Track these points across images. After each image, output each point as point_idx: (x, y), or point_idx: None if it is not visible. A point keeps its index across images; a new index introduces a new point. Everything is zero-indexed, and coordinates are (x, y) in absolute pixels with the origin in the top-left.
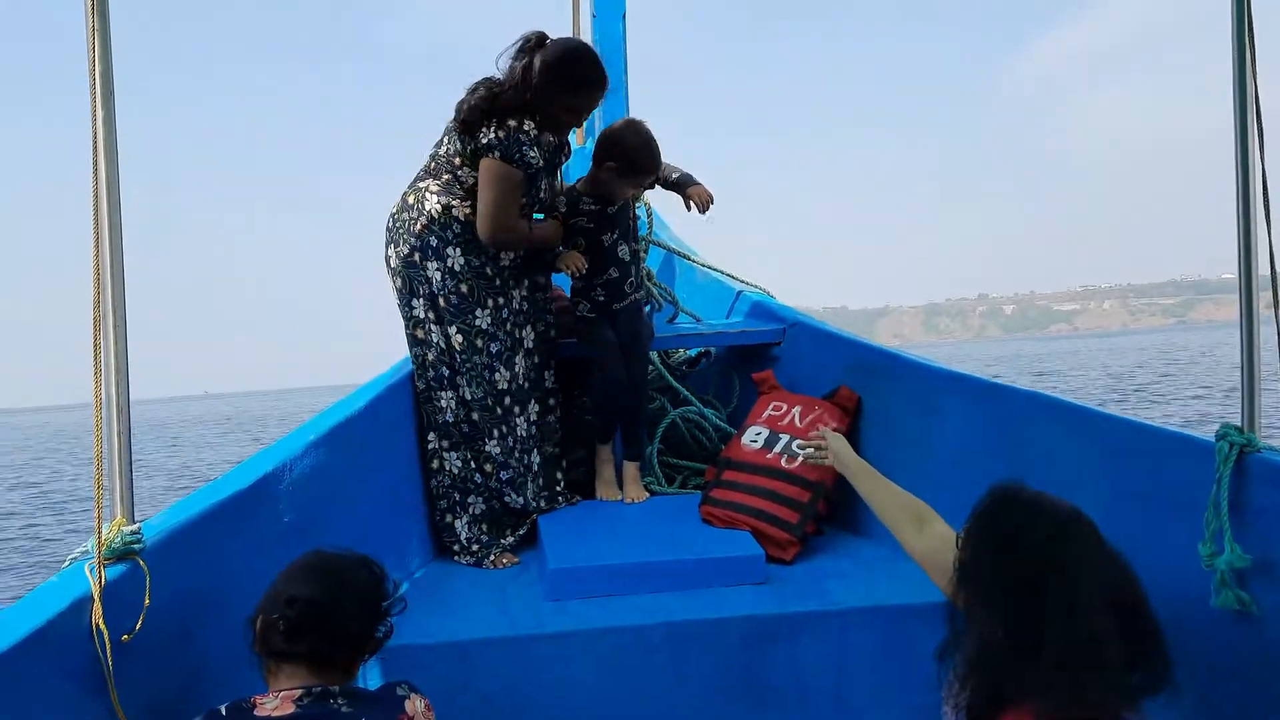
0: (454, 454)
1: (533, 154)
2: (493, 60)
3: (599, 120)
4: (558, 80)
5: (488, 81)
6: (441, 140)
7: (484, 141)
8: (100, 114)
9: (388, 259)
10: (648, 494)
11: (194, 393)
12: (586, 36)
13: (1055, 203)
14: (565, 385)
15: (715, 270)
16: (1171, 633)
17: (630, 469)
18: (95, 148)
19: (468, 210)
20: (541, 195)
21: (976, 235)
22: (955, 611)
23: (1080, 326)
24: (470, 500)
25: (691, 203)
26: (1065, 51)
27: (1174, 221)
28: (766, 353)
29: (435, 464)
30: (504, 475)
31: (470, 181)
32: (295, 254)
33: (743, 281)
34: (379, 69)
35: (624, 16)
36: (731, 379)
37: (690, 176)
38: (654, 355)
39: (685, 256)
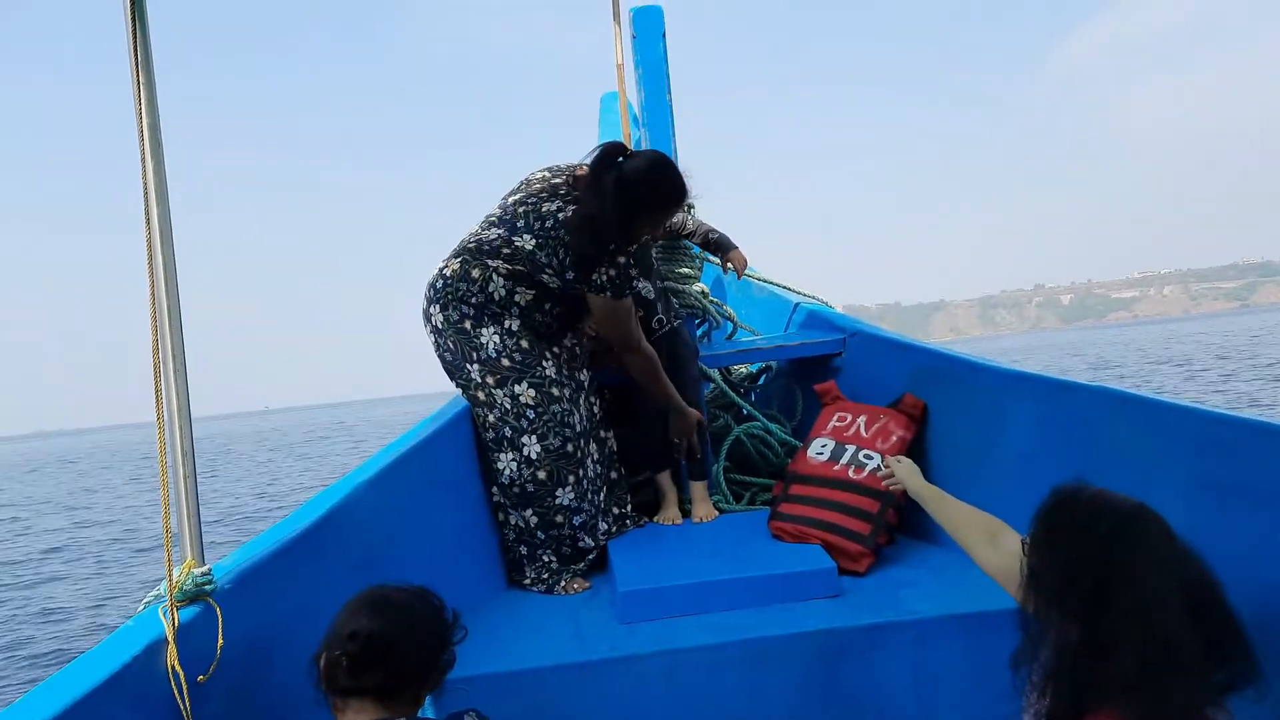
0: (514, 512)
1: (639, 283)
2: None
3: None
4: (643, 203)
5: (570, 184)
6: (515, 223)
7: (598, 282)
8: (150, 153)
9: (429, 316)
10: (716, 512)
11: (255, 408)
12: (627, 57)
13: (1111, 190)
14: (612, 410)
15: (771, 283)
16: (1259, 628)
17: (698, 488)
18: (144, 177)
19: (530, 297)
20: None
21: (1031, 226)
22: (1029, 618)
23: (1140, 313)
24: (540, 552)
25: (729, 266)
26: (1122, 35)
27: (1235, 204)
28: (828, 364)
29: (501, 516)
30: (576, 520)
31: (551, 285)
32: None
33: (799, 293)
34: (412, 80)
35: (664, 35)
36: (794, 392)
37: (728, 239)
38: (715, 373)
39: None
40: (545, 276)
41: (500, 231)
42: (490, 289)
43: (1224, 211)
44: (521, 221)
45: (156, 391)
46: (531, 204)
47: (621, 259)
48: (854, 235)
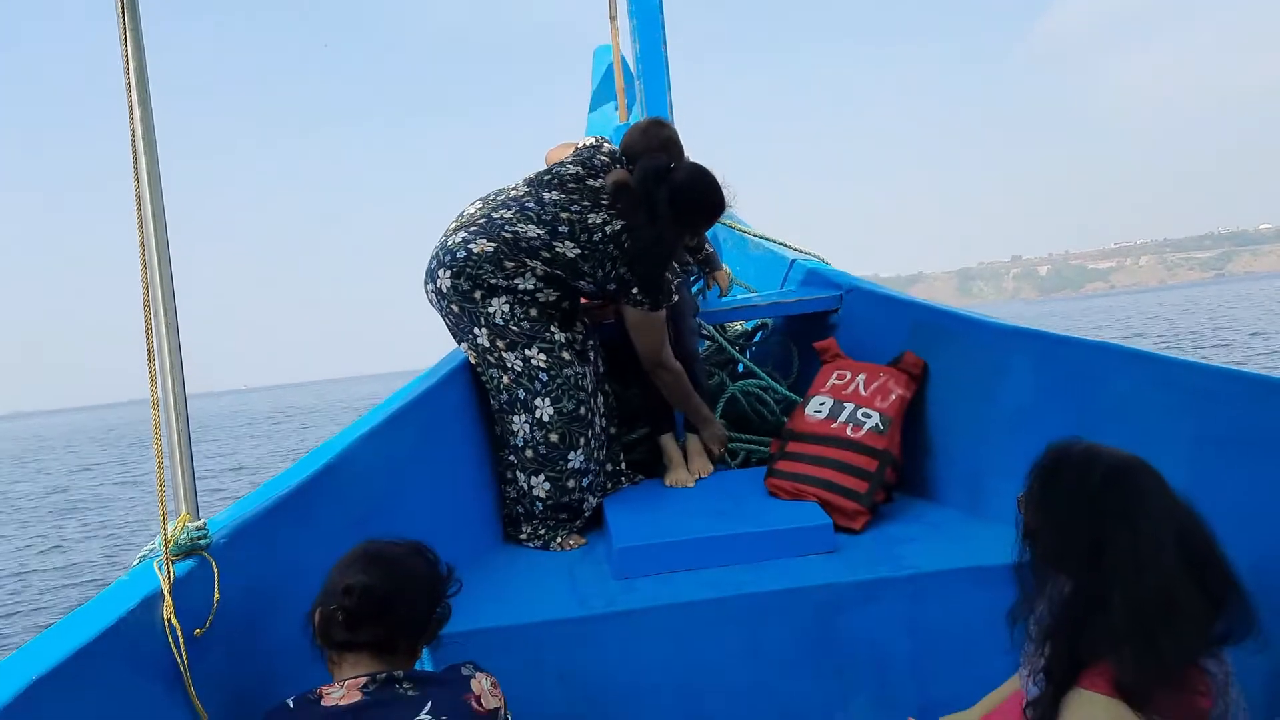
0: (523, 475)
1: (675, 296)
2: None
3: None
4: (694, 218)
5: (612, 192)
6: (556, 226)
7: (639, 298)
8: (138, 111)
9: (435, 277)
10: (712, 466)
11: (235, 387)
12: (621, 8)
13: (1088, 161)
14: (608, 366)
15: (767, 239)
16: (1261, 581)
17: (693, 442)
18: (134, 141)
19: (554, 297)
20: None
21: (1008, 197)
22: (1025, 574)
23: (1117, 284)
24: (541, 511)
25: (712, 282)
26: (1102, 6)
27: (1212, 174)
28: (824, 321)
29: (509, 475)
30: (585, 481)
31: (584, 291)
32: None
33: (796, 249)
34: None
35: (664, 40)
36: (790, 350)
37: (716, 256)
38: (711, 329)
39: (736, 227)
40: (583, 283)
41: (540, 232)
42: (518, 281)
43: (1200, 182)
44: (565, 228)
45: (148, 343)
46: (576, 212)
47: (667, 275)
48: (830, 206)
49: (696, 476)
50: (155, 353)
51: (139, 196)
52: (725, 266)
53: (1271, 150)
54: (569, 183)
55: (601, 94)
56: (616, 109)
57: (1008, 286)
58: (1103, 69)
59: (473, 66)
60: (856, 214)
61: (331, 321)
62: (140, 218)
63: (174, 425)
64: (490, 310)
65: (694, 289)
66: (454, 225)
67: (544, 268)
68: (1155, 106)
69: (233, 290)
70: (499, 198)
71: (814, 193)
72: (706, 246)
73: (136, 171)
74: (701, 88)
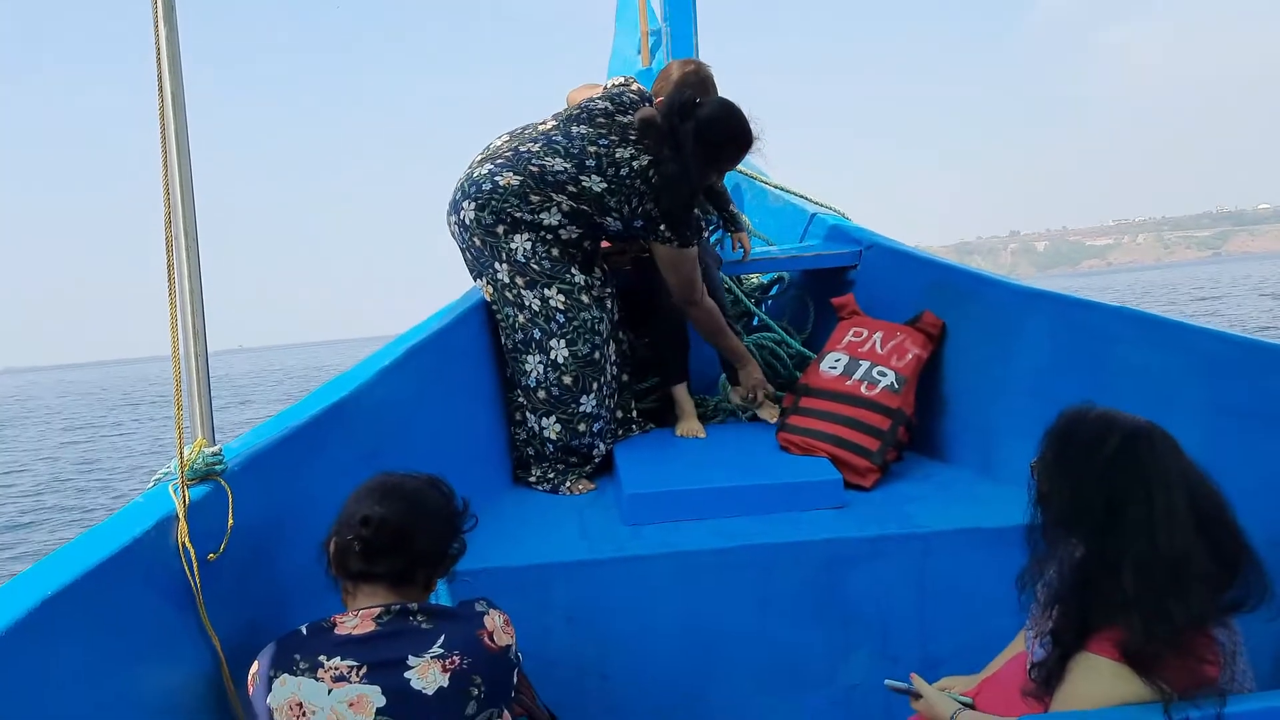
0: (534, 417)
1: (704, 232)
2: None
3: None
4: (722, 153)
5: (640, 129)
6: (584, 160)
7: (666, 234)
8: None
9: (459, 208)
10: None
11: (229, 346)
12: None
13: (1088, 138)
14: (622, 315)
15: (788, 192)
16: (1274, 550)
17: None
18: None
19: (577, 234)
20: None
21: (1007, 173)
22: (1037, 538)
23: (1113, 261)
24: (552, 454)
25: (737, 244)
26: None
27: (1211, 152)
28: (842, 276)
29: (518, 416)
30: (596, 426)
31: (610, 228)
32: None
33: (817, 203)
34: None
35: None
36: (807, 305)
37: (741, 218)
38: (729, 281)
39: (757, 178)
40: (609, 219)
41: (567, 165)
42: (543, 216)
43: (1200, 160)
44: (592, 161)
45: (169, 271)
46: (604, 146)
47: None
48: (826, 180)
49: (753, 397)
50: (176, 281)
51: (164, 136)
52: (746, 219)
53: (1271, 130)
54: (598, 117)
55: (623, 35)
56: (639, 53)
57: (1005, 261)
58: (1102, 46)
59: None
60: (852, 189)
61: (326, 284)
62: (164, 151)
63: (193, 352)
64: (513, 246)
65: (712, 239)
66: (480, 157)
67: (570, 203)
68: (1155, 85)
69: (232, 251)
70: (527, 131)
71: (804, 167)
72: (732, 205)
73: (163, 124)
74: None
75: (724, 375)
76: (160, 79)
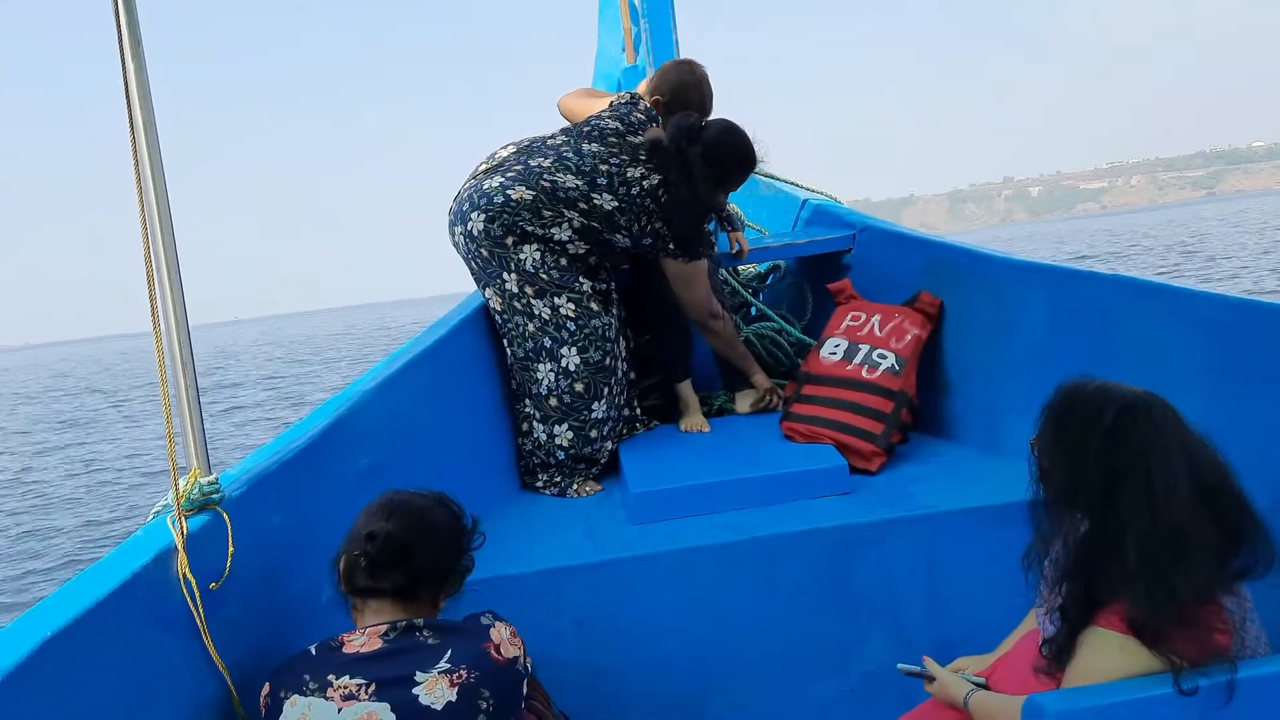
0: (543, 425)
1: (714, 246)
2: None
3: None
4: (730, 175)
5: (650, 145)
6: (595, 179)
7: (675, 251)
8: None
9: (465, 219)
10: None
11: (225, 319)
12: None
13: (1080, 79)
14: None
15: (778, 180)
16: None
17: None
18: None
19: (584, 249)
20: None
21: (999, 118)
22: (1041, 516)
23: (1108, 204)
24: (562, 460)
25: (734, 243)
26: None
27: (1203, 91)
28: (838, 261)
29: (525, 426)
30: (606, 429)
31: (618, 246)
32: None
33: (808, 189)
34: None
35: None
36: (804, 292)
37: (738, 217)
38: (724, 273)
39: None
40: (618, 237)
41: (578, 183)
42: (553, 232)
43: (1192, 99)
44: (604, 180)
45: (151, 298)
46: (615, 165)
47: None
48: (820, 130)
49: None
50: (160, 311)
51: (132, 128)
52: (739, 211)
53: (1262, 67)
54: (609, 136)
55: (607, 34)
56: (624, 50)
57: (999, 208)
58: None
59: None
60: (846, 139)
61: (322, 250)
62: (136, 161)
63: (181, 381)
64: (521, 257)
65: (717, 232)
66: (485, 167)
67: (580, 219)
68: (1150, 21)
69: (221, 220)
70: (535, 145)
71: (794, 117)
72: (729, 206)
73: (132, 123)
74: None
75: (721, 385)
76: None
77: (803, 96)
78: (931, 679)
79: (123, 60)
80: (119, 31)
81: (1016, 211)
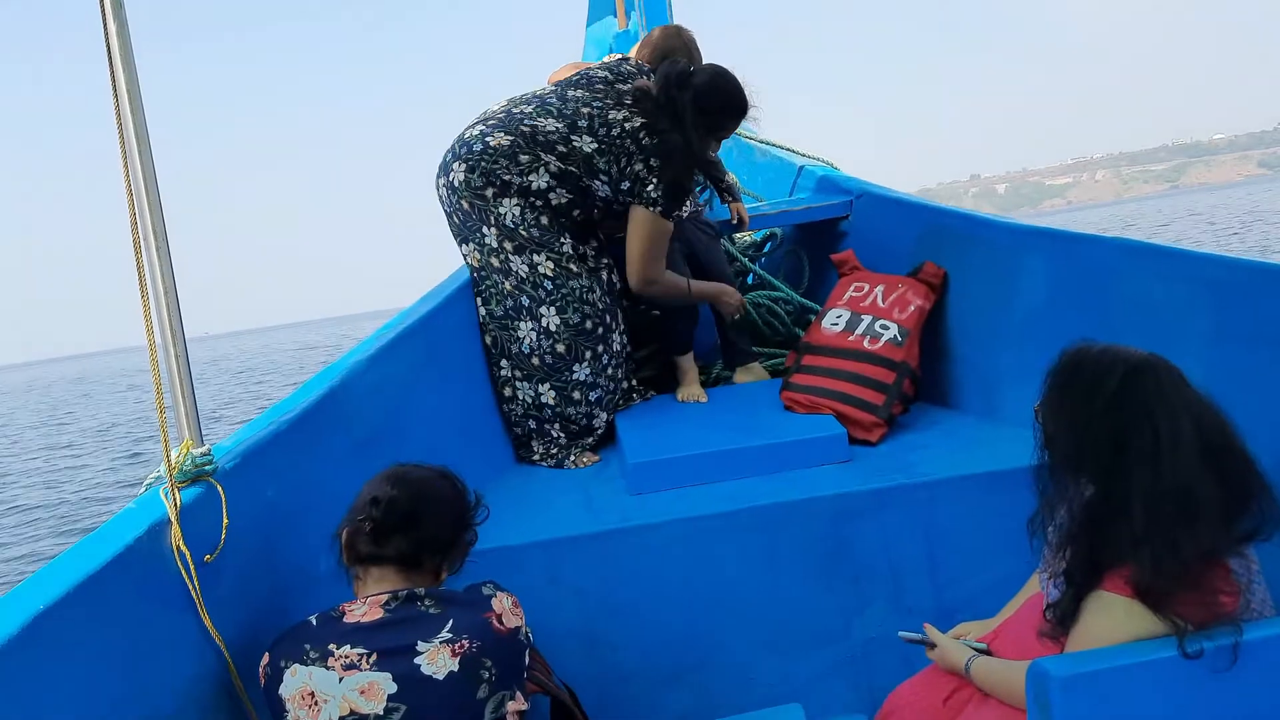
0: (527, 384)
1: (687, 208)
2: None
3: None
4: (720, 119)
5: (636, 96)
6: (576, 121)
7: (652, 195)
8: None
9: (448, 169)
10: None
11: (195, 334)
12: None
13: (1043, 76)
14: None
15: (774, 146)
16: None
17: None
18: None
19: (566, 200)
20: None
21: (965, 116)
22: (1045, 481)
23: (1073, 200)
24: (548, 427)
25: (734, 215)
26: None
27: (1165, 85)
28: (835, 228)
29: (508, 391)
30: (593, 395)
31: (599, 193)
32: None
33: (804, 155)
34: None
35: None
36: (801, 260)
37: (738, 188)
38: (722, 242)
39: (741, 134)
40: (597, 183)
41: (559, 125)
42: (531, 178)
43: (1153, 94)
44: (584, 122)
45: (139, 269)
46: (597, 108)
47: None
48: (781, 132)
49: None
50: (149, 282)
51: (121, 123)
52: (735, 179)
53: (1223, 61)
54: (596, 84)
55: (598, 3)
56: (615, 15)
57: (967, 205)
58: None
59: None
60: (809, 132)
61: (291, 262)
62: (123, 139)
63: (172, 353)
64: (501, 210)
65: (701, 198)
66: (474, 120)
67: (558, 163)
68: (1113, 17)
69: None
70: (523, 96)
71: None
72: (729, 175)
73: (119, 108)
74: None
75: (720, 361)
76: (114, 78)
77: (763, 99)
78: (933, 646)
79: (110, 65)
80: (106, 39)
81: (984, 208)
